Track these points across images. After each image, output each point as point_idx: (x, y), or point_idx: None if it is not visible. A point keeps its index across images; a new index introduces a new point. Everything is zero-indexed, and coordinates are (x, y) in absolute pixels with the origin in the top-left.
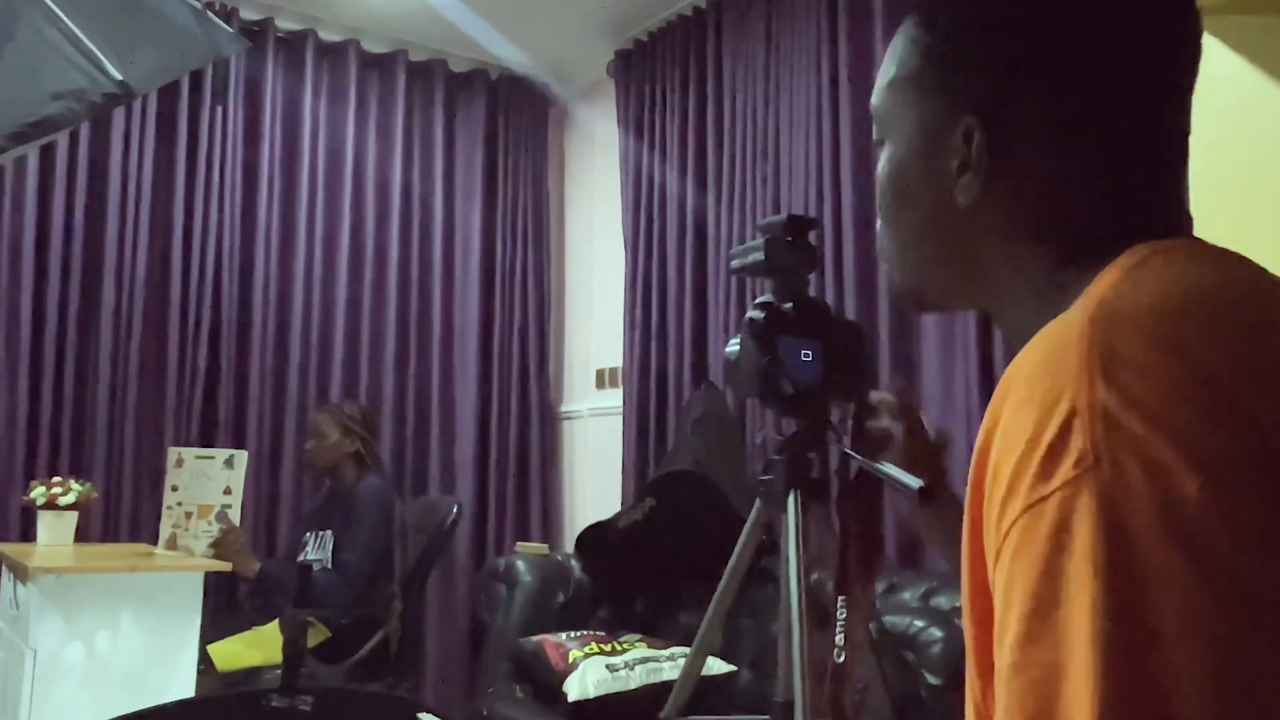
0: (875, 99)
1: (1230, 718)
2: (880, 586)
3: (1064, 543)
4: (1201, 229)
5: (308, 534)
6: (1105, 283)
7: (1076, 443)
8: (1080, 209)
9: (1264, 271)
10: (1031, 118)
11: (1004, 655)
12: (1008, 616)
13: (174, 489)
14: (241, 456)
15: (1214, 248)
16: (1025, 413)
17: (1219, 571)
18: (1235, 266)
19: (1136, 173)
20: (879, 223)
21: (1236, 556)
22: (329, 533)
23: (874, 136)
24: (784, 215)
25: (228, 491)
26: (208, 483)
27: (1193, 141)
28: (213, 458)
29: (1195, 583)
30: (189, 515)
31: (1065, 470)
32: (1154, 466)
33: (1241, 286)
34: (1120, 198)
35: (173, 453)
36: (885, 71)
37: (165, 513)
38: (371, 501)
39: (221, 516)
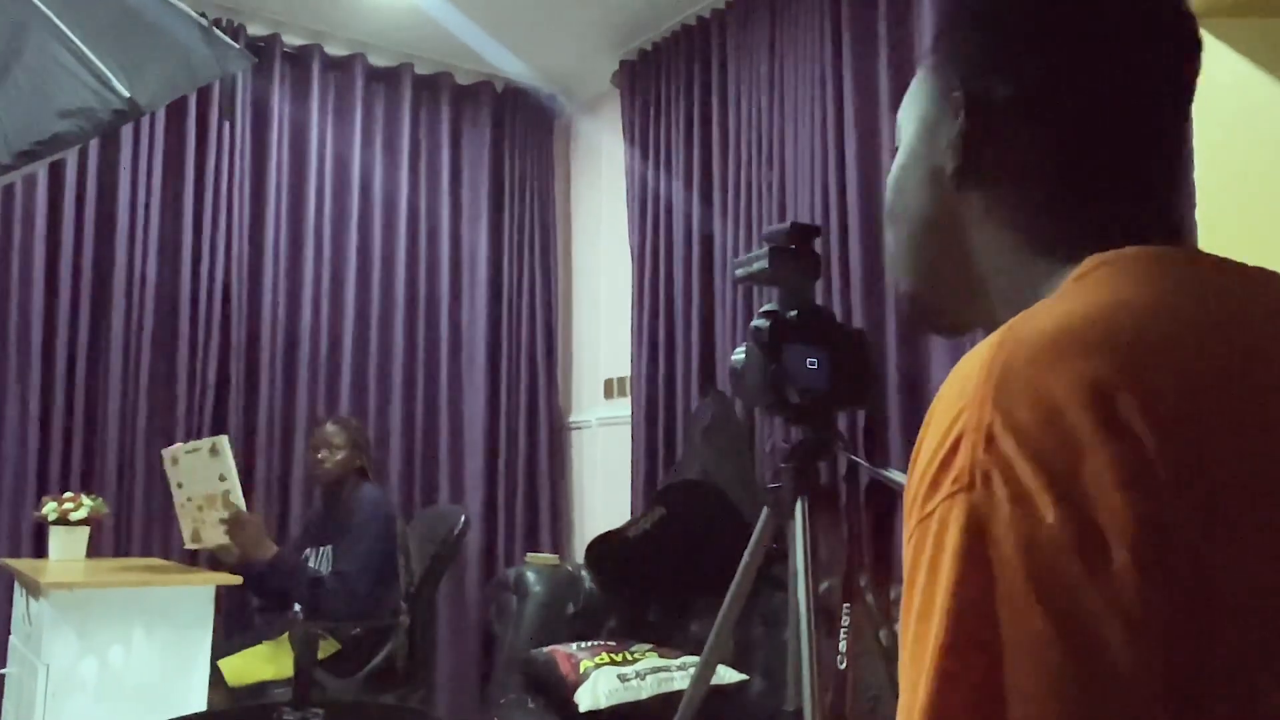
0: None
1: None
2: (891, 594)
3: (937, 557)
4: (1205, 234)
5: (308, 550)
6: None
7: (959, 462)
8: (1050, 204)
9: (1233, 281)
10: (1013, 102)
11: (901, 663)
12: (904, 627)
13: (179, 486)
14: (223, 441)
15: (1177, 257)
16: (934, 430)
17: (1066, 607)
18: (1181, 280)
19: (1112, 176)
20: (887, 234)
21: (1086, 593)
22: (329, 547)
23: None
24: (788, 224)
25: (223, 479)
26: (205, 474)
27: (1195, 145)
28: (199, 449)
29: (1041, 614)
30: (200, 509)
31: (947, 487)
32: (1019, 492)
33: (1170, 301)
34: (1090, 200)
35: (166, 454)
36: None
37: (180, 511)
38: (370, 511)
39: (227, 502)
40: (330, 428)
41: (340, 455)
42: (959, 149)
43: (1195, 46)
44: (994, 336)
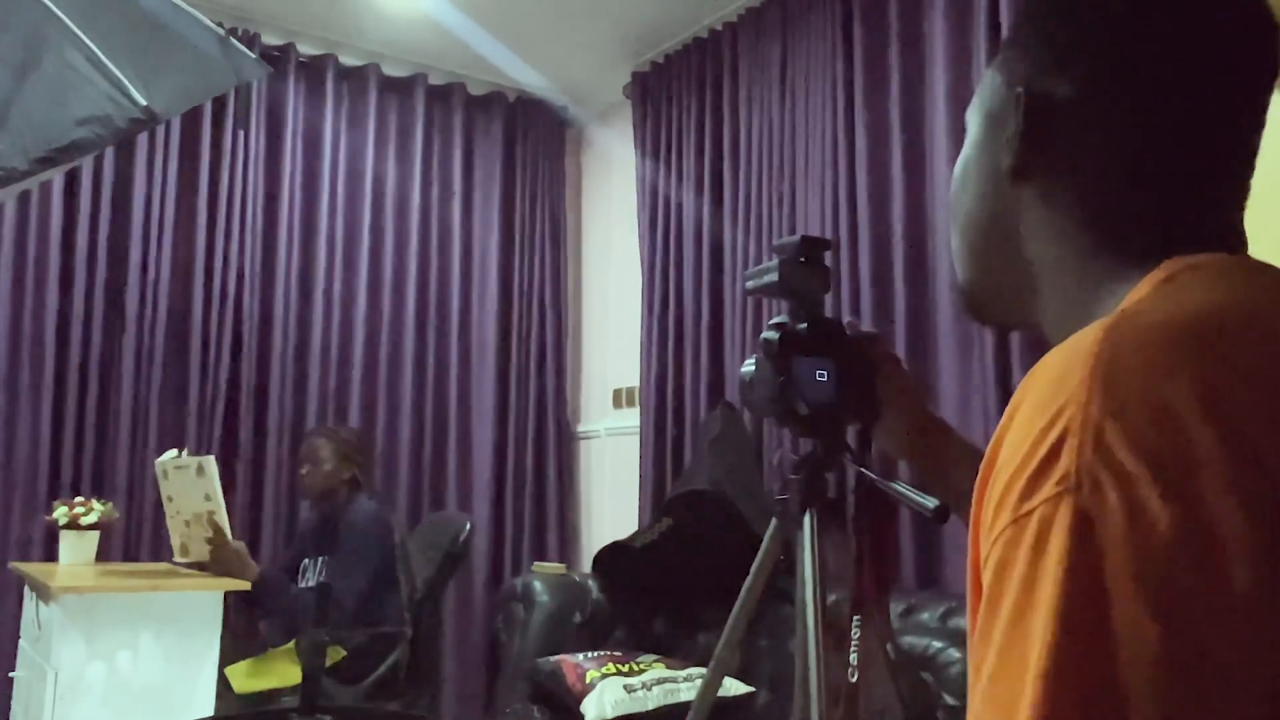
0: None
1: None
2: (899, 607)
3: (1038, 558)
4: None
5: (306, 561)
6: (1133, 297)
7: (1064, 461)
8: (1110, 204)
9: None
10: (1073, 101)
11: (987, 663)
12: (990, 625)
13: (169, 499)
14: (209, 462)
15: (1258, 265)
16: (1030, 423)
17: (1179, 616)
18: (1272, 286)
19: (1187, 178)
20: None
21: (1199, 603)
22: (323, 559)
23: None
24: (798, 236)
25: (208, 498)
26: (192, 492)
27: None
28: (186, 467)
29: (1152, 622)
30: (188, 524)
31: (1049, 488)
32: (1132, 497)
33: (1272, 307)
34: (1165, 201)
35: (158, 466)
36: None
37: (170, 523)
38: (364, 525)
39: (210, 522)
40: (315, 440)
41: (326, 468)
42: (1016, 146)
43: (1275, 44)
44: (1097, 328)
